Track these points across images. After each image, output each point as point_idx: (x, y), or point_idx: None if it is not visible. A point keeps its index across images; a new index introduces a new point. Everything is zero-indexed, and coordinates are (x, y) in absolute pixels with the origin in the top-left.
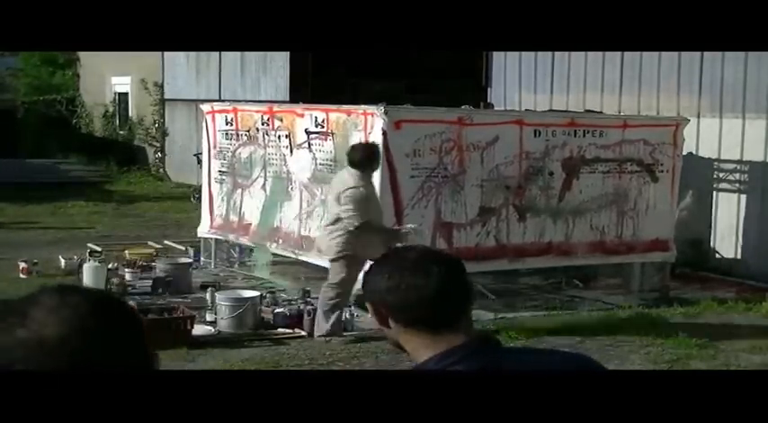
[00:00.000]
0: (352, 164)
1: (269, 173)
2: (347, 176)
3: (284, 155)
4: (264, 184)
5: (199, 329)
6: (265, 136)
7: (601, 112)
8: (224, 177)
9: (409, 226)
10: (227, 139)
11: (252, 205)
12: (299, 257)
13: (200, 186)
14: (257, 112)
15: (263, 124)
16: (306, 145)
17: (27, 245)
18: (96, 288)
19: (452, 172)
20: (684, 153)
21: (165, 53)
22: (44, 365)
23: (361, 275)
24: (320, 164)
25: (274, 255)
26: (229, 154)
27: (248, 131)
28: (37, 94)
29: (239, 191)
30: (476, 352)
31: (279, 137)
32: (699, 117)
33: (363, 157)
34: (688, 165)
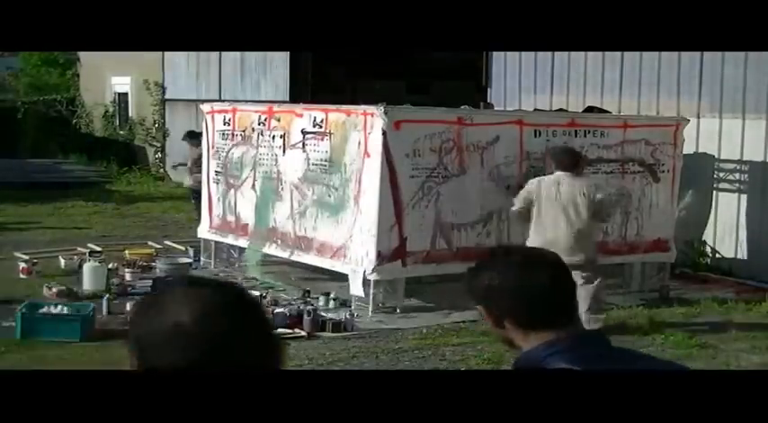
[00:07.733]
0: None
1: (258, 173)
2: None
3: (276, 155)
4: (254, 185)
5: None
6: (260, 136)
7: (608, 111)
8: (219, 178)
9: None
10: (222, 139)
11: (244, 206)
12: (298, 258)
13: (194, 188)
14: (256, 112)
15: (259, 124)
16: (300, 145)
17: (27, 245)
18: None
19: (452, 172)
20: (690, 152)
21: (165, 53)
22: (180, 350)
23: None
24: (313, 164)
25: (273, 255)
26: (223, 154)
27: (243, 131)
28: (37, 94)
29: (232, 191)
30: (583, 344)
31: (273, 137)
32: (699, 117)
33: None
34: (689, 164)
